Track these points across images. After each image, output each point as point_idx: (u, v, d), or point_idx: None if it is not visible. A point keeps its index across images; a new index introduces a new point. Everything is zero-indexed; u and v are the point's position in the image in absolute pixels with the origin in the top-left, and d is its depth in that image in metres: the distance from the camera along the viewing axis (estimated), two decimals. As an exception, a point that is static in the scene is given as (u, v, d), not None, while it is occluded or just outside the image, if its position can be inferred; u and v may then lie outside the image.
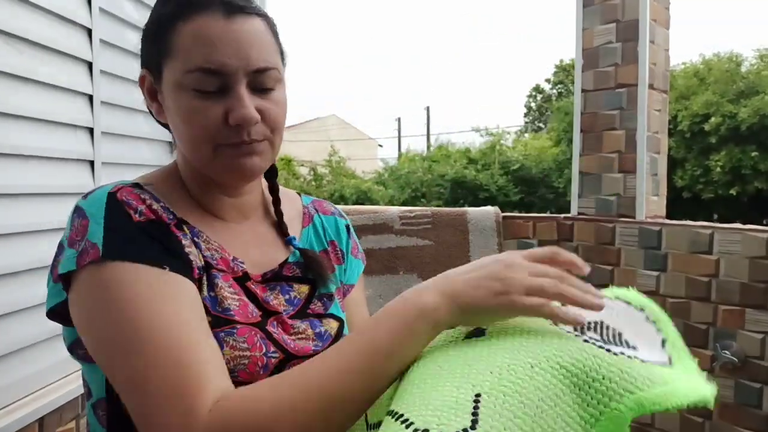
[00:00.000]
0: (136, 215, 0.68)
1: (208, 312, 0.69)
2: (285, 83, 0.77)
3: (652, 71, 2.07)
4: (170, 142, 1.98)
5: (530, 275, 0.62)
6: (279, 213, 0.85)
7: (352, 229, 0.95)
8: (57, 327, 1.38)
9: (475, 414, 0.50)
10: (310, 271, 0.83)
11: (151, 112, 0.79)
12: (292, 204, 0.90)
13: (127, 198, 0.69)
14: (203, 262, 0.72)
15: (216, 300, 0.71)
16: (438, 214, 2.23)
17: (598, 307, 0.63)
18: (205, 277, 0.71)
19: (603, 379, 0.55)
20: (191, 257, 0.70)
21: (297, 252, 0.83)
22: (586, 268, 0.67)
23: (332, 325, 0.82)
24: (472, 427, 0.49)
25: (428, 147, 21.14)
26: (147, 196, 0.71)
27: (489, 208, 2.26)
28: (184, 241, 0.71)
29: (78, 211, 0.69)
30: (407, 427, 0.50)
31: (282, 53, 0.77)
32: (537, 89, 26.07)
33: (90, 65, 1.50)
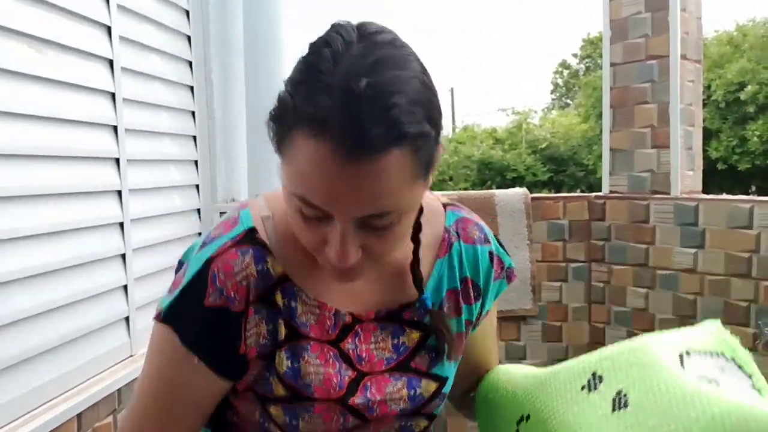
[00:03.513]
0: (211, 298, 0.69)
1: (286, 385, 0.71)
2: (419, 197, 0.66)
3: (684, 41, 1.99)
4: (194, 137, 1.99)
5: None
6: (416, 261, 0.76)
7: (496, 252, 0.85)
8: (89, 325, 1.41)
9: None
10: (432, 332, 0.78)
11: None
12: (431, 227, 0.79)
13: (219, 271, 0.69)
14: (286, 332, 0.71)
15: (298, 373, 0.71)
16: (465, 198, 2.19)
17: None
18: (285, 350, 0.71)
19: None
20: (250, 345, 0.71)
21: (426, 300, 0.78)
22: None
23: (430, 387, 0.77)
24: None
25: (453, 129, 20.94)
26: (247, 260, 0.70)
27: (518, 189, 2.22)
28: (249, 328, 0.70)
29: (186, 262, 0.73)
30: None
31: (430, 159, 0.63)
32: (563, 65, 25.50)
33: (111, 62, 1.51)
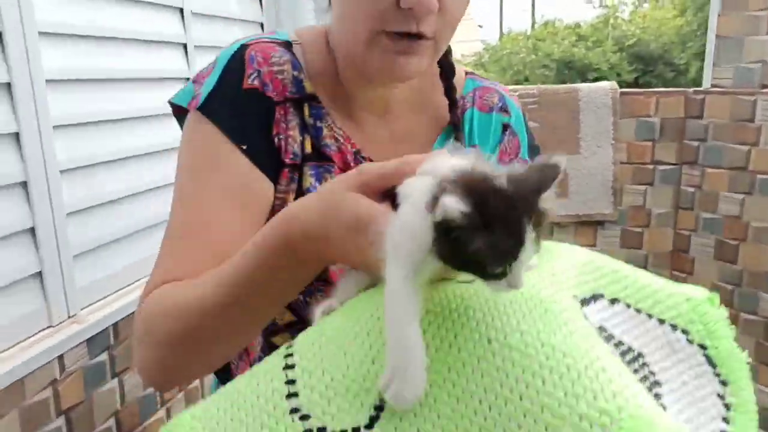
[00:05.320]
0: (249, 79, 0.67)
1: None
2: None
3: None
4: (261, 24, 1.90)
5: None
6: (455, 115, 0.75)
7: (514, 127, 0.80)
8: (119, 230, 1.39)
9: (379, 409, 0.41)
10: None
11: None
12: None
13: (255, 54, 0.67)
14: (311, 149, 0.69)
15: None
16: (545, 92, 2.03)
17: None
18: (311, 166, 0.68)
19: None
20: (281, 144, 0.67)
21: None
22: None
23: None
24: (369, 426, 0.40)
25: (533, 25, 19.63)
26: (285, 58, 0.69)
27: (604, 83, 2.03)
28: (281, 126, 0.68)
29: (214, 60, 0.70)
30: (300, 417, 0.42)
31: None
32: (661, -50, 22.93)
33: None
